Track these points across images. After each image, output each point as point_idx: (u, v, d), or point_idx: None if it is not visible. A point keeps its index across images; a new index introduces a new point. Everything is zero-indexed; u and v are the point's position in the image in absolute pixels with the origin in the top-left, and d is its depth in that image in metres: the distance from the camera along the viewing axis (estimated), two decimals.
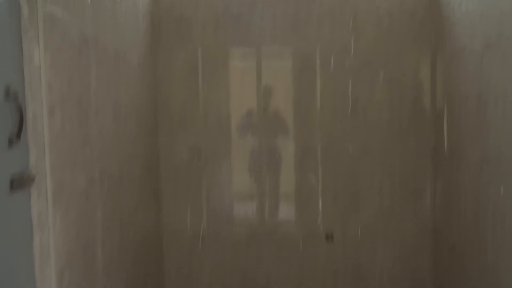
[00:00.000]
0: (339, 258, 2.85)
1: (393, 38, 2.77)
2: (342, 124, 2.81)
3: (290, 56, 2.84)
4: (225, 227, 2.89)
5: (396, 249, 2.84)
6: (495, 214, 1.98)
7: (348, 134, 2.81)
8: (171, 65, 2.82)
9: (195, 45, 2.82)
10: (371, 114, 2.80)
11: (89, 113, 1.69)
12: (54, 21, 1.40)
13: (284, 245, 2.88)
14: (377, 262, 2.85)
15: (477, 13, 2.18)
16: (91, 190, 1.69)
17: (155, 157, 2.79)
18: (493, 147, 2.01)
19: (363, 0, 2.79)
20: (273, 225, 2.92)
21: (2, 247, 1.18)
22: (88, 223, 1.66)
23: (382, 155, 2.81)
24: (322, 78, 2.80)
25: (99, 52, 1.80)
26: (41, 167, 1.32)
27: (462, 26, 2.36)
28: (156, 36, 2.77)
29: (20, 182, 1.24)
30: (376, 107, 2.80)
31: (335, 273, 2.85)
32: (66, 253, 1.45)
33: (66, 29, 1.50)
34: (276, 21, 2.81)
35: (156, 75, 2.79)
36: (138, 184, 2.38)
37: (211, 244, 2.87)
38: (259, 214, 2.90)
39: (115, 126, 1.99)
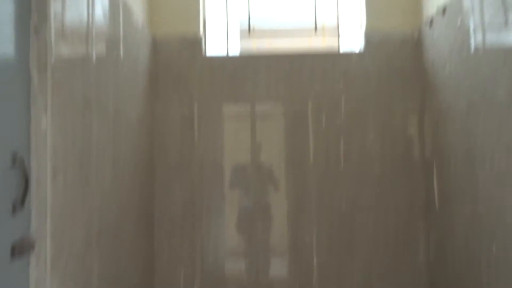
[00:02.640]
0: None
1: (381, 96, 2.89)
2: (335, 180, 2.86)
3: (283, 113, 2.93)
4: (218, 285, 2.84)
5: None
6: (490, 272, 2.00)
7: (341, 189, 2.86)
8: (168, 120, 2.88)
9: (191, 101, 2.90)
10: (363, 170, 2.86)
11: (90, 173, 1.71)
12: (61, 87, 1.45)
13: None
14: None
15: (460, 75, 2.30)
16: (88, 252, 1.68)
17: (150, 211, 2.78)
18: (483, 204, 2.06)
19: (352, 60, 2.93)
20: (267, 283, 2.88)
21: None
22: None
23: (375, 209, 2.84)
24: (314, 135, 2.88)
25: (101, 113, 1.85)
26: (42, 232, 1.32)
27: (447, 86, 2.48)
28: (154, 92, 2.84)
29: (21, 250, 1.24)
30: (368, 163, 2.86)
31: None
32: None
33: (72, 94, 1.55)
34: (269, 79, 2.92)
35: (154, 129, 2.84)
36: (133, 240, 2.36)
37: None
38: (252, 272, 2.87)
39: (113, 182, 2.01)
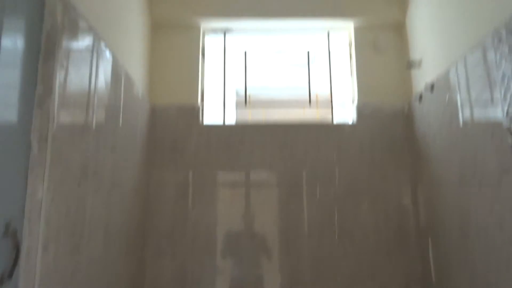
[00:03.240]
0: None
1: (375, 167, 2.93)
2: (329, 251, 2.82)
3: (277, 182, 2.94)
4: None
5: None
6: None
7: (336, 261, 2.80)
8: (162, 187, 2.88)
9: (187, 169, 2.92)
10: (357, 241, 2.83)
11: (81, 243, 1.68)
12: (60, 157, 1.47)
13: None
14: None
15: (450, 148, 2.36)
16: None
17: (141, 282, 2.69)
18: (480, 278, 2.02)
19: (345, 132, 3.01)
20: None
21: None
22: None
23: (371, 283, 2.77)
24: (309, 205, 2.88)
25: (97, 182, 1.85)
26: None
27: (438, 159, 2.53)
28: (150, 159, 2.87)
29: None
30: (362, 234, 2.84)
31: None
32: None
33: (70, 163, 1.57)
34: (265, 148, 2.97)
35: (148, 196, 2.83)
36: None
37: None
38: None
39: (104, 251, 1.97)
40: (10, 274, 1.21)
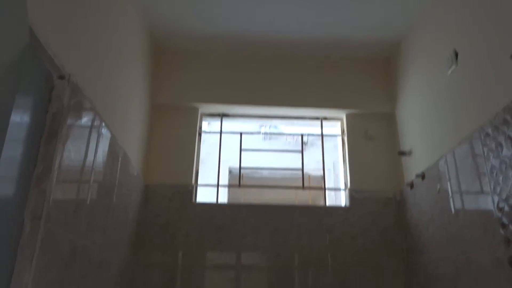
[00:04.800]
0: None
1: (367, 253, 2.88)
2: None
3: (268, 266, 2.86)
4: None
5: None
6: None
7: None
8: (150, 269, 2.78)
9: (176, 249, 2.85)
10: None
11: None
12: (51, 237, 1.45)
13: None
14: None
15: (443, 238, 2.34)
16: None
17: None
18: None
19: (338, 215, 3.00)
20: None
21: None
22: None
23: None
24: None
25: (85, 262, 1.80)
26: None
27: (432, 248, 2.50)
28: (140, 238, 2.81)
29: None
30: None
31: None
32: None
33: (60, 243, 1.54)
34: (257, 229, 2.93)
35: (135, 278, 2.73)
36: None
37: None
38: None
39: None
40: None
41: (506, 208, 1.76)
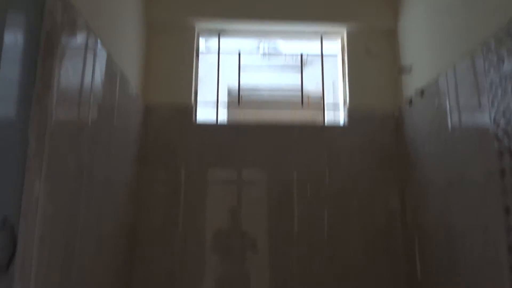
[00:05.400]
0: None
1: (364, 169, 2.98)
2: (319, 250, 2.86)
3: (268, 181, 2.98)
4: None
5: None
6: None
7: (325, 260, 2.85)
8: (154, 185, 2.90)
9: (178, 167, 2.94)
10: (346, 241, 2.88)
11: (75, 238, 1.70)
12: (56, 154, 1.49)
13: None
14: None
15: (439, 153, 2.41)
16: None
17: (130, 277, 2.70)
18: (463, 278, 2.08)
19: (336, 133, 3.06)
20: None
21: None
22: None
23: (359, 280, 2.82)
24: (299, 204, 2.92)
25: (91, 179, 1.87)
26: None
27: (427, 163, 2.59)
28: (142, 157, 2.88)
29: None
30: (351, 234, 2.89)
31: None
32: None
33: (66, 160, 1.59)
34: (256, 148, 3.00)
35: (139, 194, 2.84)
36: None
37: None
38: None
39: (97, 247, 1.99)
40: (7, 267, 1.22)
41: (502, 122, 1.79)
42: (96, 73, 1.96)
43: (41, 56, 1.46)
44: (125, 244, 2.56)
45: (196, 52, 3.22)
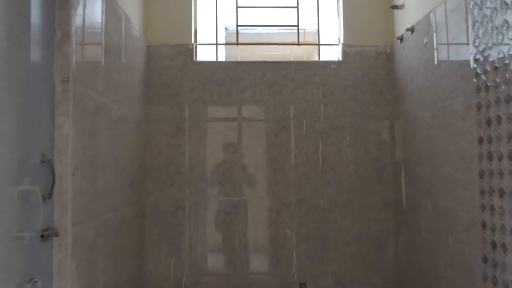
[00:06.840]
0: None
1: (357, 103, 3.17)
2: (314, 179, 3.13)
3: (267, 117, 3.17)
4: (206, 278, 3.08)
5: None
6: (447, 266, 2.29)
7: (319, 188, 3.13)
8: (160, 122, 3.09)
9: (182, 105, 3.12)
10: (339, 171, 3.14)
11: (98, 171, 1.92)
12: (79, 96, 1.66)
13: None
14: None
15: (425, 88, 2.59)
16: (96, 242, 1.89)
17: (143, 206, 2.98)
18: (442, 202, 2.36)
19: (331, 69, 3.20)
20: (250, 276, 3.12)
21: None
22: (92, 272, 1.84)
23: (350, 207, 3.13)
24: (296, 139, 3.15)
25: (107, 118, 2.05)
26: (63, 222, 1.53)
27: (414, 98, 2.77)
28: (147, 97, 3.05)
29: (48, 235, 1.45)
30: (343, 165, 3.15)
31: None
32: None
33: (86, 101, 1.76)
34: (255, 85, 3.16)
35: (147, 131, 3.04)
36: (130, 231, 2.56)
37: None
38: (236, 266, 3.10)
39: (115, 179, 2.22)
40: (49, 195, 1.45)
41: (482, 59, 1.95)
42: (105, 16, 2.07)
43: (57, 4, 1.58)
44: (138, 177, 2.80)
45: None
